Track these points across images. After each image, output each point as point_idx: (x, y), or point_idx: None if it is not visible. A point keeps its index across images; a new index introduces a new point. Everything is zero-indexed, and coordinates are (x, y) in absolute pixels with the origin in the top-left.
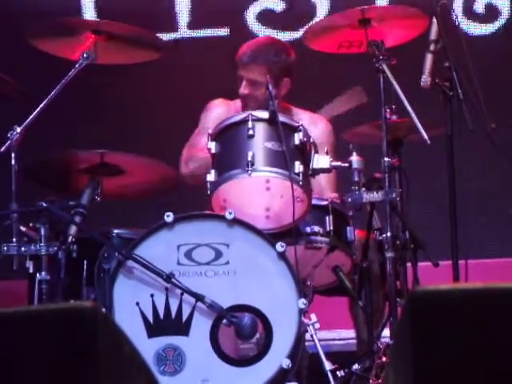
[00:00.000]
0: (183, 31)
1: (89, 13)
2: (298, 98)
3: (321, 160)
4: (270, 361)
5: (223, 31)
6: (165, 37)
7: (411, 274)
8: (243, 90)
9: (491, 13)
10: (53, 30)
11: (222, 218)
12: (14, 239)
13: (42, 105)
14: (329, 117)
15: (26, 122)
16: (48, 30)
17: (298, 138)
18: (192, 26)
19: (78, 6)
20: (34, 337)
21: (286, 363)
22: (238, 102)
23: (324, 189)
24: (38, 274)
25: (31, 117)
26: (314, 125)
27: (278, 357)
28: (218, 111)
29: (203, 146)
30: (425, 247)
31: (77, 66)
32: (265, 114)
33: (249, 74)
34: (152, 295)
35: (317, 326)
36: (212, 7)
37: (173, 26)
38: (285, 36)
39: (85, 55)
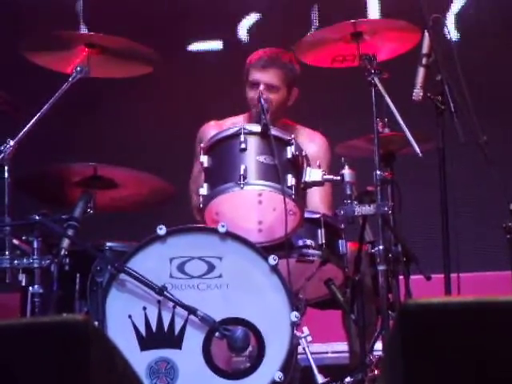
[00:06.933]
0: (175, 44)
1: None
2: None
3: (313, 173)
4: (262, 374)
5: (216, 44)
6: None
7: (403, 287)
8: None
9: (481, 26)
10: (46, 43)
11: (214, 231)
12: (7, 252)
13: (35, 118)
14: None
15: (19, 136)
16: (41, 43)
17: (290, 151)
18: (185, 39)
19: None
20: (27, 350)
21: (279, 376)
22: (228, 121)
23: (318, 205)
24: (30, 287)
25: (24, 130)
26: (311, 141)
27: (270, 370)
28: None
29: None
30: (417, 260)
31: (70, 79)
32: (257, 128)
33: (267, 78)
34: (144, 308)
35: (309, 338)
36: (205, 21)
37: (165, 40)
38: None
39: (78, 69)
